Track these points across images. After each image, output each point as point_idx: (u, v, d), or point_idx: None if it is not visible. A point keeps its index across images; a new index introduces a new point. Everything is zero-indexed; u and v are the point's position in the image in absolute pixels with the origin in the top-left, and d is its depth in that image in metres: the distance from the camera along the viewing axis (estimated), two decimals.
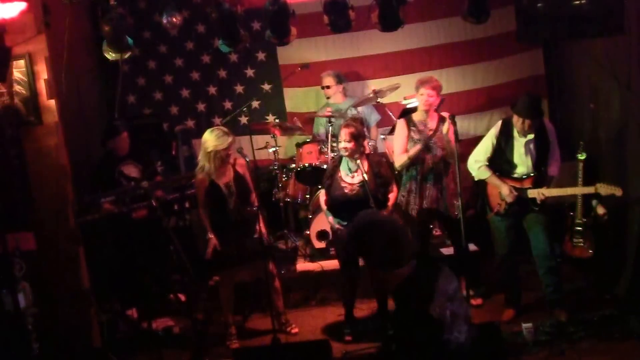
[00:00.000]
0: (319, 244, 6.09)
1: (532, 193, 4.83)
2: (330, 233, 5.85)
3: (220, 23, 5.01)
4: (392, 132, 6.29)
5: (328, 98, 6.61)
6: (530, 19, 4.55)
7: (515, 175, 4.93)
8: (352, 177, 4.84)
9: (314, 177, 5.96)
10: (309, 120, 6.69)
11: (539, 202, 4.82)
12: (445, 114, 5.06)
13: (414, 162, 5.14)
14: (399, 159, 5.21)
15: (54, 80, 4.83)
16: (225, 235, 4.93)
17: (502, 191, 4.89)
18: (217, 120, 7.03)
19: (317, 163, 6.05)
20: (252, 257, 4.98)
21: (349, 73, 6.75)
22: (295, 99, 7.16)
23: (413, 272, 2.95)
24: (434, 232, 5.70)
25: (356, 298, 5.15)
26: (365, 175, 4.67)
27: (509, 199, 4.86)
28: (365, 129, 6.46)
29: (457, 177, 4.66)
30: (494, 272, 5.18)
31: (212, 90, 7.20)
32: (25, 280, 4.52)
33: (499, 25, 6.57)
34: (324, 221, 5.74)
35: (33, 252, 4.71)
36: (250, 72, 7.14)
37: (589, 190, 4.81)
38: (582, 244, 5.12)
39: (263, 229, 4.95)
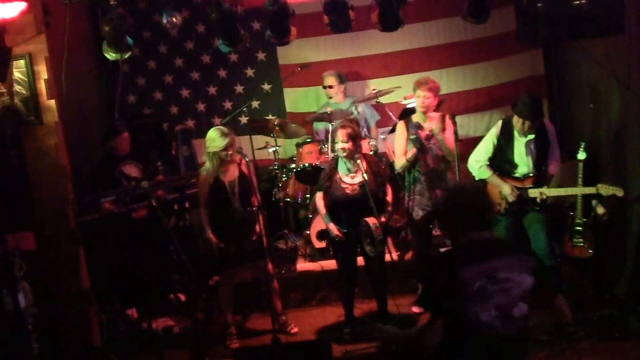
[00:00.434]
0: (319, 244, 6.09)
1: (533, 192, 4.83)
2: (328, 240, 5.86)
3: (220, 23, 5.01)
4: (392, 131, 6.30)
5: (330, 98, 6.61)
6: (530, 19, 4.55)
7: (516, 175, 4.94)
8: (352, 177, 4.84)
9: (314, 177, 5.94)
10: (310, 120, 6.68)
11: (539, 201, 4.83)
12: (440, 113, 5.07)
13: (414, 164, 5.15)
14: (399, 162, 5.22)
15: (54, 80, 4.83)
16: (225, 235, 4.93)
17: (503, 191, 4.89)
18: (217, 120, 7.03)
19: (317, 163, 6.05)
20: (251, 257, 4.98)
21: (349, 73, 6.75)
22: (295, 99, 7.16)
23: None
24: (433, 232, 5.69)
25: (355, 298, 5.15)
26: (365, 175, 4.67)
27: (511, 199, 4.86)
28: (365, 129, 6.49)
29: (457, 177, 4.67)
30: None
31: (212, 90, 7.20)
32: (25, 280, 4.52)
33: (499, 25, 6.57)
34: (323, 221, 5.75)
35: (33, 252, 4.71)
36: (250, 72, 7.14)
37: (590, 190, 4.81)
38: (582, 244, 5.13)
39: (262, 230, 4.95)
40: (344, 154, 4.80)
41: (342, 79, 6.54)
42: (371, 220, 4.61)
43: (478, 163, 5.07)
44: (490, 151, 5.04)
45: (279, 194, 6.29)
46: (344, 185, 4.84)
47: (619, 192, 4.68)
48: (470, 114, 6.88)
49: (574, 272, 5.43)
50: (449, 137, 5.05)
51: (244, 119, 6.94)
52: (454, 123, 4.91)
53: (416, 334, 3.01)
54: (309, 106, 7.04)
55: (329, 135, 6.06)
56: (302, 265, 6.13)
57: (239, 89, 7.17)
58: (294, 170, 6.20)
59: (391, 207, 4.93)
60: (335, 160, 4.98)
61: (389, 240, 5.45)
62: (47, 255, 4.80)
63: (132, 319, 5.47)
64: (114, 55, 4.96)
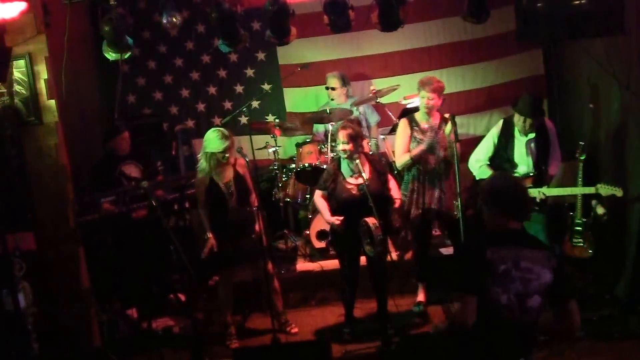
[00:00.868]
0: (319, 244, 6.09)
1: (533, 192, 4.83)
2: (328, 240, 5.86)
3: (220, 23, 5.00)
4: (392, 131, 6.30)
5: (332, 99, 6.61)
6: (530, 19, 4.55)
7: (516, 175, 4.94)
8: (356, 178, 4.83)
9: (314, 177, 5.94)
10: (309, 120, 6.68)
11: (539, 201, 4.83)
12: (446, 115, 5.06)
13: (416, 162, 5.14)
14: (401, 159, 5.20)
15: (54, 80, 4.83)
16: (224, 235, 4.93)
17: None
18: (217, 120, 7.04)
19: (317, 163, 6.05)
20: (251, 257, 4.98)
21: (349, 73, 6.74)
22: (295, 99, 7.16)
23: None
24: (433, 232, 5.69)
25: (356, 298, 5.15)
26: (364, 175, 4.66)
27: None
28: (365, 129, 6.49)
29: (457, 177, 4.67)
30: None
31: (212, 90, 7.20)
32: (25, 280, 4.52)
33: (499, 25, 6.57)
34: (323, 221, 5.74)
35: (33, 252, 4.71)
36: (250, 72, 7.14)
37: (590, 190, 4.81)
38: (582, 244, 5.13)
39: (262, 230, 4.95)
40: (345, 155, 4.80)
41: (345, 81, 6.54)
42: (371, 220, 4.60)
43: (478, 162, 5.07)
44: (491, 151, 5.04)
45: (278, 194, 6.29)
46: (349, 187, 4.82)
47: (619, 193, 4.68)
48: (470, 114, 6.89)
49: (574, 272, 5.43)
50: (447, 137, 5.05)
51: (243, 119, 6.94)
52: (454, 123, 4.90)
53: (454, 315, 3.11)
54: (309, 106, 7.04)
55: (329, 135, 6.06)
56: (302, 265, 6.13)
57: (239, 89, 7.18)
58: (294, 170, 6.20)
59: (397, 203, 4.91)
60: (338, 161, 4.97)
61: (389, 240, 5.45)
62: (47, 255, 4.80)
63: (132, 319, 5.46)
64: (114, 55, 4.96)
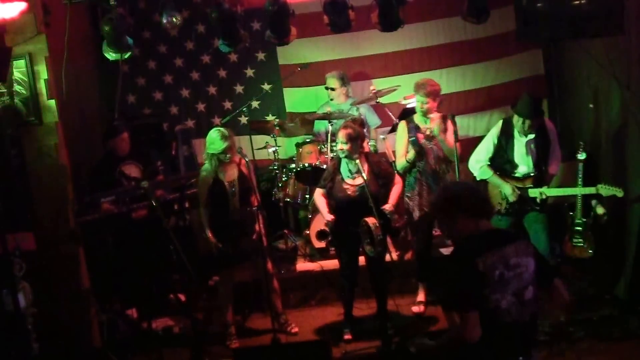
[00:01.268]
0: (319, 244, 6.09)
1: (533, 192, 4.83)
2: (328, 240, 5.86)
3: (220, 23, 5.00)
4: (392, 131, 6.30)
5: (332, 99, 6.61)
6: (530, 19, 4.55)
7: (516, 175, 4.94)
8: (354, 178, 4.83)
9: (314, 177, 5.95)
10: (309, 120, 6.68)
11: (539, 201, 4.83)
12: (446, 115, 5.06)
13: (414, 164, 5.14)
14: (400, 163, 5.22)
15: (54, 80, 4.83)
16: (224, 235, 4.94)
17: (504, 191, 4.89)
18: (217, 120, 7.04)
19: (317, 163, 6.05)
20: (251, 257, 4.98)
21: (349, 73, 6.74)
22: (295, 99, 7.16)
23: None
24: (433, 232, 5.69)
25: (355, 298, 5.15)
26: (364, 175, 4.67)
27: (512, 198, 4.86)
28: (366, 130, 6.48)
29: (457, 177, 4.67)
30: None
31: (212, 90, 7.20)
32: (25, 280, 4.52)
33: (499, 25, 6.57)
34: (323, 221, 5.73)
35: (33, 252, 4.71)
36: (250, 72, 7.14)
37: (590, 190, 4.81)
38: (582, 244, 5.13)
39: (262, 230, 4.96)
40: (343, 155, 4.80)
41: (344, 81, 6.53)
42: (371, 220, 4.61)
43: (479, 163, 5.07)
44: (491, 151, 5.04)
45: (278, 194, 6.29)
46: (345, 187, 4.83)
47: (619, 193, 4.68)
48: (470, 114, 6.88)
49: (574, 272, 5.44)
50: (449, 138, 5.05)
51: (243, 119, 6.94)
52: (454, 123, 4.90)
53: (454, 334, 3.00)
54: (309, 106, 7.04)
55: (329, 135, 6.06)
56: (302, 265, 6.13)
57: (239, 89, 7.17)
58: (294, 170, 6.20)
59: (396, 201, 4.90)
60: (338, 160, 4.97)
61: (389, 240, 5.46)
62: (47, 255, 4.80)
63: (132, 319, 5.46)
64: (114, 55, 4.96)
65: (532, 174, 4.92)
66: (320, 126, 6.62)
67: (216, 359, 4.92)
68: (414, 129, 5.15)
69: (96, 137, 6.00)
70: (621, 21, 4.39)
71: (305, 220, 6.43)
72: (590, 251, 5.11)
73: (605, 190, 4.73)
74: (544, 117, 5.17)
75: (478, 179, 5.13)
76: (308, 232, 6.17)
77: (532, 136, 4.93)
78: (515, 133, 4.95)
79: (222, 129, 4.96)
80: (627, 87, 4.95)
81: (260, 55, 7.09)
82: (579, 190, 4.94)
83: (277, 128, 6.28)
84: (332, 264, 5.66)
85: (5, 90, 4.69)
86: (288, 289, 5.64)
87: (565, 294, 3.07)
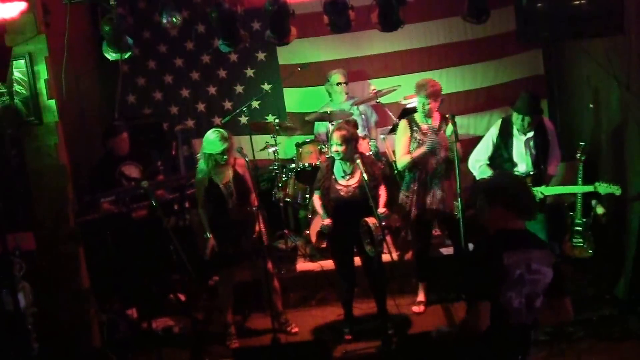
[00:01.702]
0: (319, 244, 6.08)
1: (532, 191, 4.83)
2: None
3: (220, 23, 5.00)
4: (392, 131, 6.30)
5: (331, 100, 6.62)
6: (530, 19, 4.55)
7: (516, 173, 4.94)
8: (348, 179, 4.83)
9: (314, 177, 5.93)
10: (310, 120, 6.67)
11: (538, 200, 4.83)
12: (447, 115, 5.06)
13: (417, 163, 5.13)
14: (402, 160, 5.20)
15: (54, 80, 4.83)
16: (224, 235, 4.94)
17: None
18: (217, 120, 7.04)
19: (317, 163, 6.05)
20: (251, 256, 4.98)
21: (349, 73, 6.74)
22: (295, 99, 7.16)
23: None
24: (433, 232, 5.69)
25: (354, 297, 5.15)
26: (365, 176, 4.66)
27: None
28: (366, 129, 6.49)
29: (457, 177, 4.67)
30: None
31: (212, 90, 7.20)
32: (25, 280, 4.52)
33: (499, 25, 6.57)
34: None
35: (33, 252, 4.71)
36: (250, 72, 7.14)
37: (588, 188, 4.81)
38: (581, 244, 5.13)
39: (262, 229, 4.96)
40: (339, 157, 4.79)
41: (346, 77, 6.57)
42: (371, 220, 4.61)
43: (478, 162, 5.08)
44: (490, 150, 5.05)
45: (279, 194, 6.28)
46: (338, 187, 4.84)
47: (617, 191, 4.69)
48: (470, 114, 6.88)
49: (574, 272, 5.43)
50: (447, 138, 5.05)
51: (243, 119, 6.94)
52: (454, 123, 4.90)
53: (466, 321, 3.07)
54: (309, 106, 7.04)
55: (329, 135, 6.05)
56: (302, 265, 6.13)
57: (239, 89, 7.17)
58: (294, 170, 6.19)
59: (385, 209, 4.91)
60: (332, 161, 4.97)
61: (389, 240, 5.46)
62: (47, 255, 4.80)
63: (132, 319, 5.46)
64: (114, 55, 4.96)
65: (531, 173, 4.92)
66: (321, 126, 6.62)
67: (216, 359, 4.92)
68: (424, 124, 5.12)
69: (96, 137, 5.99)
70: (621, 21, 4.40)
71: (305, 220, 6.43)
72: (590, 251, 5.11)
73: (602, 188, 4.73)
74: (543, 116, 5.17)
75: (478, 178, 5.14)
76: (308, 232, 6.17)
77: (531, 135, 4.93)
78: (515, 132, 4.96)
79: (221, 130, 4.95)
80: (627, 87, 4.96)
81: (260, 55, 7.09)
82: (577, 189, 4.94)
83: (277, 128, 6.28)
84: (332, 264, 5.65)
85: (5, 90, 4.69)
86: (288, 289, 5.64)
87: (571, 313, 3.11)
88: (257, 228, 4.89)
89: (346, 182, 4.83)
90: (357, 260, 5.05)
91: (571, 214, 5.16)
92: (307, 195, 6.20)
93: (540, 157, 4.95)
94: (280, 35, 5.05)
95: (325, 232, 4.86)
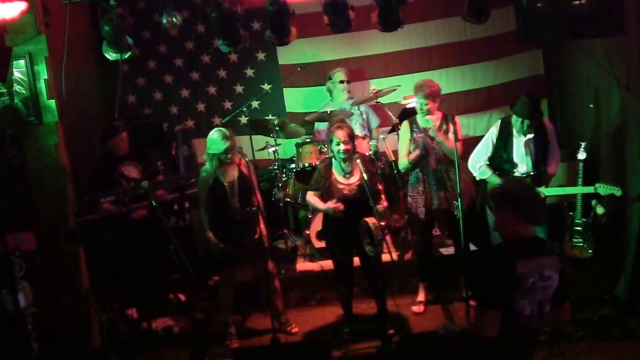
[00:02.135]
0: (319, 244, 6.08)
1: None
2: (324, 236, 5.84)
3: (220, 23, 5.00)
4: (391, 131, 6.30)
5: (331, 100, 6.62)
6: (530, 19, 4.54)
7: (515, 174, 4.94)
8: (348, 178, 4.83)
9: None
10: (310, 120, 6.67)
11: None
12: (448, 115, 5.06)
13: (417, 164, 5.13)
14: (402, 162, 5.21)
15: (54, 80, 4.83)
16: (225, 235, 4.94)
17: None
18: (217, 120, 7.04)
19: (317, 163, 6.04)
20: (252, 257, 4.98)
21: (349, 73, 6.75)
22: (295, 99, 7.16)
23: None
24: (433, 232, 5.69)
25: (354, 297, 5.15)
26: (364, 175, 4.66)
27: None
28: (366, 130, 6.49)
29: (457, 177, 4.67)
30: None
31: (212, 90, 7.21)
32: (25, 280, 4.52)
33: (499, 25, 6.58)
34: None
35: (33, 252, 4.71)
36: (250, 72, 7.14)
37: (588, 190, 4.82)
38: (581, 244, 5.13)
39: (264, 230, 4.96)
40: (345, 155, 4.77)
41: (348, 76, 6.57)
42: (371, 220, 4.60)
43: (478, 163, 5.08)
44: (490, 150, 5.05)
45: (279, 194, 6.28)
46: (340, 186, 4.82)
47: (617, 192, 4.69)
48: (470, 114, 6.89)
49: (574, 272, 5.43)
50: (450, 138, 5.04)
51: (243, 119, 6.94)
52: (454, 123, 4.90)
53: (475, 326, 3.12)
54: (309, 106, 7.04)
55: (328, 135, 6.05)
56: (302, 265, 6.13)
57: (239, 89, 7.18)
58: (294, 170, 6.19)
59: (386, 202, 4.90)
60: (329, 161, 4.96)
61: (389, 240, 5.46)
62: (47, 255, 4.79)
63: (132, 319, 5.47)
64: (114, 55, 4.95)
65: (531, 173, 4.92)
66: (321, 126, 6.62)
67: (216, 359, 4.92)
68: (422, 130, 5.12)
69: (96, 137, 6.00)
70: (621, 21, 4.39)
71: (305, 220, 6.43)
72: (590, 251, 5.11)
73: (603, 189, 4.73)
74: (543, 117, 5.17)
75: (478, 178, 5.14)
76: (308, 232, 6.17)
77: (531, 135, 4.93)
78: (514, 132, 4.96)
79: (222, 129, 4.96)
80: (627, 87, 4.95)
81: (260, 55, 7.09)
82: (577, 190, 4.94)
83: (277, 128, 6.28)
84: (332, 264, 5.65)
85: (5, 90, 4.68)
86: (288, 289, 5.64)
87: (569, 319, 3.16)
88: (258, 229, 4.89)
89: (347, 180, 4.82)
90: (357, 261, 5.04)
91: (571, 214, 5.16)
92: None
93: (540, 157, 4.95)
94: (280, 35, 5.04)
95: (337, 215, 4.79)
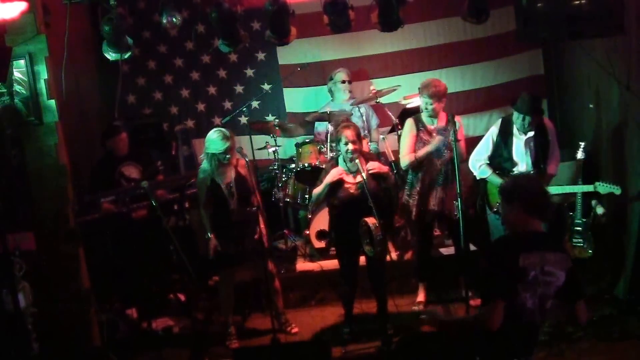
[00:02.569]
0: (319, 244, 6.09)
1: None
2: (331, 233, 5.83)
3: (220, 23, 5.00)
4: (391, 131, 6.30)
5: (332, 100, 6.62)
6: (530, 19, 4.54)
7: (515, 173, 4.94)
8: (354, 177, 4.83)
9: (314, 177, 5.92)
10: (310, 120, 6.67)
11: None
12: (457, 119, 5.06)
13: (421, 163, 5.12)
14: (405, 159, 5.18)
15: (54, 80, 4.83)
16: (225, 235, 4.94)
17: None
18: (217, 120, 7.04)
19: (317, 163, 6.05)
20: (252, 257, 4.98)
21: (350, 73, 6.74)
22: (295, 99, 7.16)
23: None
24: (433, 232, 5.69)
25: (355, 298, 5.14)
26: (364, 175, 4.66)
27: None
28: (366, 130, 6.49)
29: (457, 177, 4.67)
30: None
31: (212, 90, 7.21)
32: (25, 280, 4.52)
33: (499, 25, 6.58)
34: (323, 221, 5.74)
35: (33, 252, 4.71)
36: (250, 72, 7.14)
37: (588, 188, 4.82)
38: (581, 244, 5.13)
39: (263, 230, 4.96)
40: (354, 155, 4.74)
41: (350, 76, 6.58)
42: (370, 220, 4.60)
43: (478, 162, 5.09)
44: (490, 149, 5.06)
45: (278, 194, 6.29)
46: (347, 185, 4.82)
47: (617, 191, 4.69)
48: (470, 114, 6.88)
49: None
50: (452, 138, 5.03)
51: (243, 119, 6.94)
52: (454, 123, 4.90)
53: (480, 317, 3.12)
54: (309, 106, 7.04)
55: (329, 135, 6.05)
56: (302, 265, 6.13)
57: (239, 89, 7.18)
58: (294, 170, 6.19)
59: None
60: (336, 161, 4.97)
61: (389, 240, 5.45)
62: (47, 255, 4.79)
63: (132, 319, 5.47)
64: (114, 55, 4.95)
65: (531, 172, 4.92)
66: (321, 126, 6.62)
67: (216, 359, 4.92)
68: (441, 130, 5.10)
69: (96, 137, 5.99)
70: (621, 21, 4.39)
71: (305, 220, 6.43)
72: (590, 251, 5.11)
73: (602, 187, 4.74)
74: (543, 116, 5.17)
75: (478, 177, 5.14)
76: (308, 232, 6.17)
77: (531, 134, 4.94)
78: (515, 131, 4.96)
79: (222, 129, 4.95)
80: (627, 87, 4.96)
81: (260, 55, 7.09)
82: (577, 188, 4.95)
83: (277, 128, 6.28)
84: (332, 264, 5.66)
85: (5, 90, 4.68)
86: (288, 289, 5.64)
87: (585, 315, 3.16)
88: (258, 229, 4.89)
89: (353, 179, 4.82)
90: (362, 260, 5.04)
91: (571, 214, 5.16)
92: (307, 196, 6.20)
93: (540, 156, 4.95)
94: (280, 35, 5.04)
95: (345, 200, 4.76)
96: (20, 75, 4.71)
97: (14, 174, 4.80)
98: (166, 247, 5.34)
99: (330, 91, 6.66)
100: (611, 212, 5.35)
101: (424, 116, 5.16)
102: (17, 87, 4.72)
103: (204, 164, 4.95)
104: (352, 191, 4.80)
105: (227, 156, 4.84)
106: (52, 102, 4.78)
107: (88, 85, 6.57)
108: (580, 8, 4.32)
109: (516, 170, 4.96)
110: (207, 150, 4.89)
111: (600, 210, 5.32)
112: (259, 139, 6.57)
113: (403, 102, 6.29)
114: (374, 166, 4.75)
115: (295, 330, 5.24)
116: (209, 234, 4.92)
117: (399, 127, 5.85)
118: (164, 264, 5.61)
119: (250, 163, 5.11)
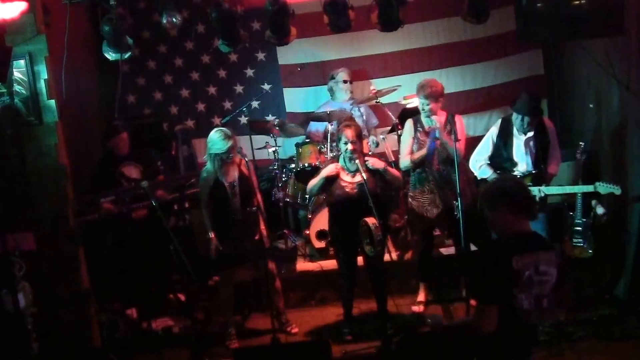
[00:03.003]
0: (319, 244, 6.08)
1: (532, 190, 4.83)
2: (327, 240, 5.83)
3: (220, 23, 5.00)
4: (391, 131, 6.30)
5: (332, 99, 6.62)
6: (530, 19, 4.55)
7: (516, 173, 4.95)
8: (353, 176, 4.83)
9: (314, 177, 5.95)
10: (310, 119, 6.67)
11: (538, 200, 4.82)
12: (457, 118, 5.05)
13: (420, 164, 5.13)
14: (404, 162, 5.20)
15: (54, 80, 4.83)
16: (226, 235, 4.94)
17: None
18: (217, 120, 7.04)
19: (316, 163, 6.04)
20: (252, 257, 4.98)
21: (350, 73, 6.74)
22: (295, 99, 7.16)
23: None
24: (434, 232, 5.69)
25: (355, 298, 5.15)
26: (364, 175, 4.66)
27: None
28: (366, 130, 6.48)
29: (457, 177, 4.67)
30: None
31: (212, 90, 7.20)
32: (25, 280, 4.52)
33: (499, 25, 6.57)
34: (323, 221, 5.73)
35: (33, 252, 4.71)
36: (250, 72, 7.14)
37: (588, 188, 4.82)
38: (581, 244, 5.13)
39: (264, 230, 4.95)
40: (355, 154, 4.75)
41: (350, 76, 6.58)
42: (370, 220, 4.60)
43: (478, 162, 5.09)
44: (490, 149, 5.06)
45: (278, 194, 6.29)
46: (344, 184, 4.83)
47: (617, 191, 4.69)
48: (470, 114, 6.87)
49: (574, 272, 5.43)
50: (452, 138, 5.03)
51: (243, 119, 6.94)
52: (453, 123, 4.90)
53: (471, 322, 3.15)
54: (309, 106, 7.04)
55: (328, 135, 6.05)
56: (302, 265, 6.12)
57: (239, 89, 7.18)
58: (294, 170, 6.19)
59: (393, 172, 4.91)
60: (336, 160, 4.97)
61: (389, 240, 5.45)
62: (47, 255, 4.80)
63: (132, 319, 5.47)
64: (114, 55, 4.96)
65: (531, 172, 4.92)
66: (316, 126, 6.61)
67: (216, 359, 4.92)
68: (420, 128, 5.12)
69: (96, 137, 6.00)
70: (621, 21, 4.39)
71: (305, 220, 6.43)
72: (590, 251, 5.11)
73: (602, 187, 4.74)
74: (543, 116, 5.18)
75: (478, 177, 5.14)
76: (308, 232, 6.17)
77: (531, 134, 4.94)
78: (515, 131, 4.96)
79: (223, 129, 4.96)
80: (627, 87, 4.96)
81: (260, 55, 7.09)
82: (577, 188, 4.94)
83: (277, 128, 6.28)
84: (332, 264, 5.65)
85: (5, 90, 4.69)
86: (288, 289, 5.63)
87: (569, 297, 3.20)
88: (258, 229, 4.89)
89: (351, 179, 4.82)
90: (360, 260, 5.05)
91: (571, 214, 5.16)
92: (307, 195, 6.20)
93: (540, 156, 4.95)
94: (280, 35, 5.04)
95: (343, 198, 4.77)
96: (20, 75, 4.72)
97: (14, 174, 4.80)
98: (166, 247, 5.33)
99: (331, 90, 6.65)
100: (611, 212, 5.35)
101: (423, 117, 5.16)
102: (17, 87, 4.73)
103: (208, 165, 4.96)
104: (348, 190, 4.80)
105: (230, 155, 4.86)
106: (52, 102, 4.79)
107: (88, 85, 6.57)
108: (580, 8, 4.32)
109: (516, 170, 4.95)
110: (209, 151, 4.91)
111: (600, 210, 5.31)
112: (259, 139, 6.57)
113: (403, 102, 6.29)
114: (372, 161, 4.76)
115: (295, 330, 5.24)
116: (210, 234, 4.92)
117: (399, 127, 5.86)
118: (164, 264, 5.61)
119: (250, 163, 5.12)
